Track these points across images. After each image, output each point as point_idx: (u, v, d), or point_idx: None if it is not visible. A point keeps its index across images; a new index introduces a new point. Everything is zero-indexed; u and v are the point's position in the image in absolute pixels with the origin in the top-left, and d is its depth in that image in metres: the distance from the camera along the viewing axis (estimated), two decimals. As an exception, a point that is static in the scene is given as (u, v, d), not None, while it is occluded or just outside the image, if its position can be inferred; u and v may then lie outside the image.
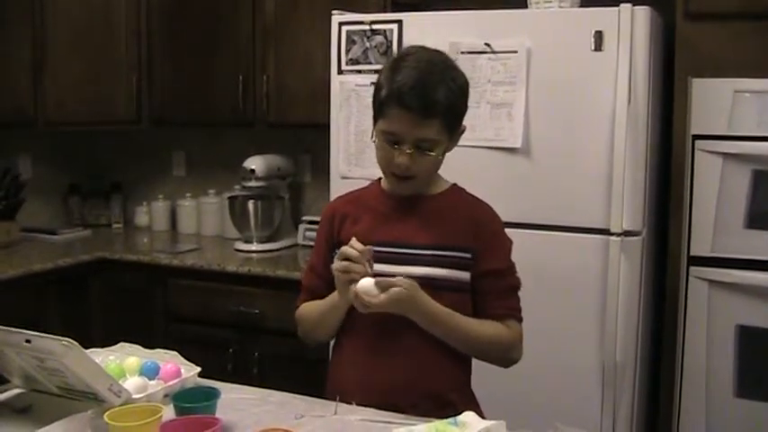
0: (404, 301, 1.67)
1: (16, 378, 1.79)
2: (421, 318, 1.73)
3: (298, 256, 3.53)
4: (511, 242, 1.87)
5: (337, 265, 1.71)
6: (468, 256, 1.79)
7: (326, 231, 1.91)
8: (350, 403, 1.74)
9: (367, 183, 1.96)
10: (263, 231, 3.61)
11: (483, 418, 1.59)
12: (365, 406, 1.73)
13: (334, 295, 1.80)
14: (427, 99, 1.68)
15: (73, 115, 3.70)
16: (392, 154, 1.74)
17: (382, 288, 1.65)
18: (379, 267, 1.71)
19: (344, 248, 1.71)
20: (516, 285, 1.85)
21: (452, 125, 1.75)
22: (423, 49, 1.79)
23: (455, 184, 1.90)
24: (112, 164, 4.41)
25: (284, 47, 3.48)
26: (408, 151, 1.72)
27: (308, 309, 1.92)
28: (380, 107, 1.74)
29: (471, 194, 1.90)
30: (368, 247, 1.70)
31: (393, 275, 1.69)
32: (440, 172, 1.86)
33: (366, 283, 1.66)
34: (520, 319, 1.84)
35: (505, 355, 1.84)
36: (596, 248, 2.55)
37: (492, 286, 1.81)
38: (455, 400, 1.79)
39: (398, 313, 1.70)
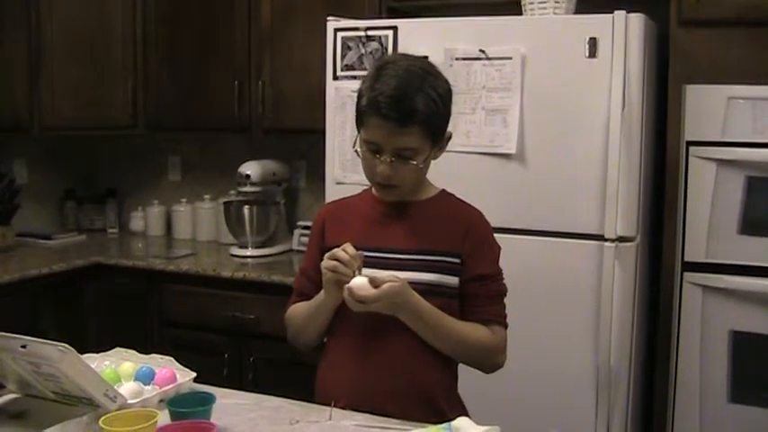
0: (395, 295, 1.67)
1: (11, 383, 1.79)
2: (409, 315, 1.73)
3: (293, 261, 3.54)
4: (499, 248, 1.87)
5: (326, 263, 1.72)
6: (456, 260, 1.79)
7: (317, 236, 1.92)
8: (344, 408, 1.74)
9: (362, 189, 1.96)
10: (258, 237, 3.61)
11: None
12: (353, 411, 1.73)
13: (321, 294, 1.80)
14: (404, 108, 1.66)
15: (69, 120, 3.70)
16: (374, 163, 1.74)
17: (375, 285, 1.66)
18: (367, 272, 1.70)
19: (336, 250, 1.71)
20: (503, 291, 1.85)
21: (435, 133, 1.74)
22: (403, 57, 1.79)
23: (444, 190, 1.90)
24: (108, 169, 4.41)
25: (280, 53, 3.48)
26: (388, 160, 1.71)
27: (296, 310, 1.93)
28: (360, 116, 1.75)
29: (460, 199, 1.90)
30: (359, 252, 1.71)
31: None
32: (435, 178, 1.86)
33: (359, 280, 1.67)
34: (505, 326, 1.85)
35: (489, 360, 1.84)
36: (590, 254, 2.56)
37: (479, 291, 1.81)
38: (444, 407, 1.79)
39: (388, 311, 1.70)
